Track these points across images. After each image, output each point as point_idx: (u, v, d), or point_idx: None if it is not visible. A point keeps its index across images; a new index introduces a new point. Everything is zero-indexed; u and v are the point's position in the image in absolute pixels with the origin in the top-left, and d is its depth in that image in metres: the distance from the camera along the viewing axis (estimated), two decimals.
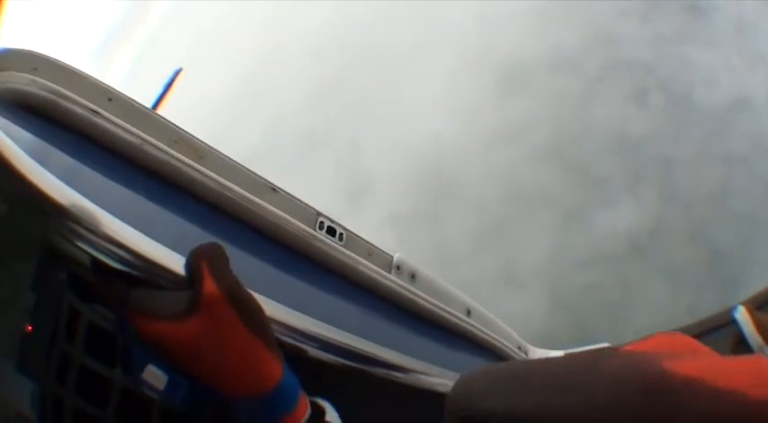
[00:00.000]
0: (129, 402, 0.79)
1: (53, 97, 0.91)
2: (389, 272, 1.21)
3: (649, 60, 4.66)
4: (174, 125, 1.00)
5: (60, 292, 0.80)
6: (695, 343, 0.57)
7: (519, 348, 1.52)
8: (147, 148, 0.94)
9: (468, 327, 1.35)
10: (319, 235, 1.10)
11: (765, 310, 1.79)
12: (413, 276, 1.25)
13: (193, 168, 0.98)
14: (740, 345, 1.63)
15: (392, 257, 1.23)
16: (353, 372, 1.00)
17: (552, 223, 4.30)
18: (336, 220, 1.15)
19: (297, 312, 0.91)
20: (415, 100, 5.31)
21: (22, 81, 0.90)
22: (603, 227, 4.13)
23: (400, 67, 5.60)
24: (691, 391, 0.44)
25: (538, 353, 1.59)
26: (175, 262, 0.77)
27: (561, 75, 4.84)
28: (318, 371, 0.92)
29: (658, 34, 4.74)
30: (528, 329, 1.57)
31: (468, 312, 1.37)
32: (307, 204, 1.11)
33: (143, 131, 0.95)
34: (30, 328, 0.84)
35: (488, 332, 1.40)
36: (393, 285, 1.20)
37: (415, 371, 1.13)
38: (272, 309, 0.85)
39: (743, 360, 0.47)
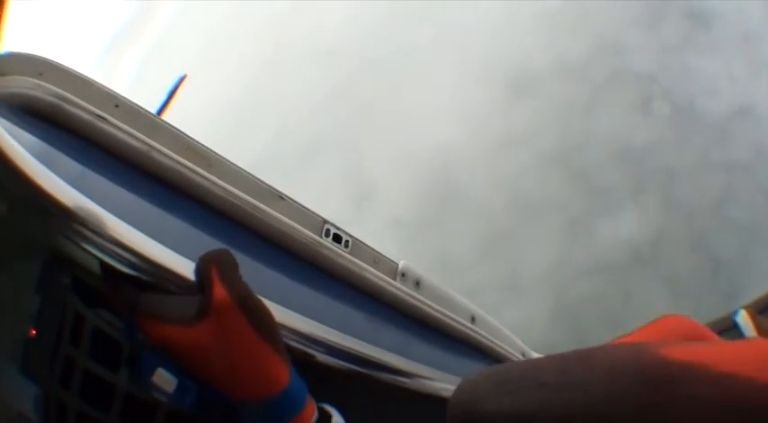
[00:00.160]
0: (132, 406, 0.79)
1: (58, 102, 0.91)
2: (395, 279, 1.21)
3: (654, 69, 4.67)
4: (182, 132, 1.00)
5: (65, 295, 0.80)
6: (699, 327, 0.57)
7: (523, 355, 1.52)
8: (154, 154, 0.95)
9: (472, 334, 1.35)
10: (325, 242, 1.11)
11: (767, 315, 1.79)
12: (418, 283, 1.25)
13: (201, 175, 0.98)
14: None
15: (397, 265, 1.23)
16: (360, 376, 1.01)
17: (555, 231, 4.30)
18: (342, 227, 1.15)
19: (305, 318, 0.91)
20: (420, 107, 5.32)
21: (27, 85, 0.90)
22: (606, 236, 4.14)
23: (407, 74, 5.62)
24: (691, 376, 0.43)
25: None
26: (185, 267, 0.77)
27: (566, 83, 4.85)
28: (325, 376, 0.92)
29: (663, 43, 4.75)
30: (529, 337, 1.57)
31: (473, 319, 1.37)
32: (313, 212, 1.12)
33: (150, 138, 0.95)
34: (34, 331, 0.84)
35: (492, 339, 1.40)
36: (398, 292, 1.20)
37: (420, 376, 1.13)
38: (281, 314, 0.85)
39: (744, 344, 0.47)
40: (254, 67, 6.79)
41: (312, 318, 0.94)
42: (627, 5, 5.01)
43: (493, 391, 0.51)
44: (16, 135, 0.76)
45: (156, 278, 0.77)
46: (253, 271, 0.77)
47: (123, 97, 0.97)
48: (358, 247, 1.16)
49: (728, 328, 1.70)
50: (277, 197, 1.07)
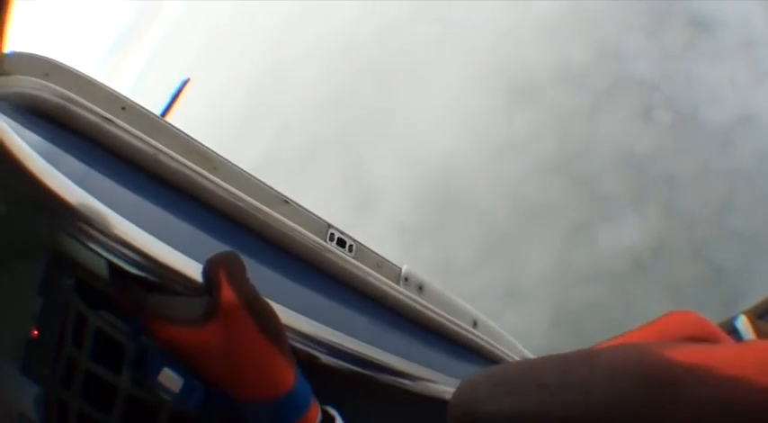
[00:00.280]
0: (133, 408, 0.79)
1: (64, 103, 0.91)
2: (398, 283, 1.22)
3: (656, 77, 4.67)
4: (188, 135, 1.00)
5: (67, 297, 0.80)
6: (708, 323, 0.57)
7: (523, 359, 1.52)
8: (160, 157, 0.95)
9: (474, 338, 1.35)
10: (330, 246, 1.11)
11: (766, 320, 1.79)
12: (420, 288, 1.25)
13: (207, 179, 0.99)
14: None
15: (401, 269, 1.24)
16: (363, 378, 1.01)
17: (556, 238, 4.30)
18: (345, 231, 1.15)
19: (310, 320, 0.92)
20: (423, 112, 5.33)
21: (33, 85, 0.91)
22: (607, 243, 4.14)
23: (410, 79, 5.62)
24: (694, 378, 0.44)
25: None
26: (192, 269, 0.77)
27: (569, 90, 4.85)
28: (329, 377, 0.92)
29: (665, 51, 4.75)
30: (530, 343, 1.57)
31: (475, 324, 1.37)
32: (318, 216, 1.12)
33: (156, 141, 0.96)
34: (35, 332, 0.84)
35: (494, 343, 1.40)
36: (401, 296, 1.21)
37: (422, 378, 1.13)
38: (286, 315, 0.86)
39: (747, 346, 0.47)
40: (257, 70, 6.80)
41: (315, 321, 0.94)
42: (630, 12, 5.02)
43: (492, 391, 0.51)
44: (22, 134, 0.77)
45: (163, 279, 0.77)
46: (257, 274, 0.77)
47: (130, 100, 0.97)
48: (362, 251, 1.16)
49: (728, 333, 1.70)
50: (282, 201, 1.08)
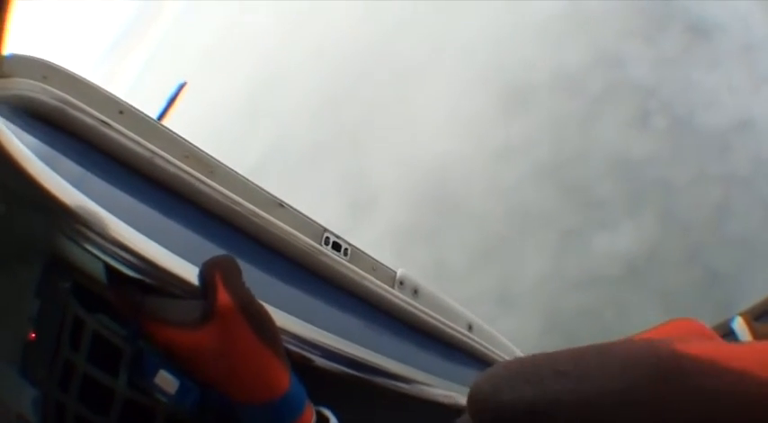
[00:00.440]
0: (130, 411, 0.79)
1: (62, 106, 0.92)
2: (393, 287, 1.22)
3: (652, 82, 4.67)
4: (185, 140, 1.01)
5: (64, 299, 0.81)
6: (707, 329, 0.59)
7: None
8: (157, 161, 0.95)
9: (469, 341, 1.36)
10: (325, 250, 1.12)
11: (763, 321, 1.79)
12: (416, 291, 1.26)
13: (204, 183, 1.00)
14: None
15: (395, 273, 1.24)
16: (358, 381, 1.01)
17: (551, 243, 4.30)
18: (341, 234, 1.16)
19: (305, 323, 0.92)
20: (419, 117, 5.33)
21: (31, 88, 0.91)
22: (601, 249, 4.14)
23: (406, 84, 5.63)
24: (701, 370, 0.45)
25: None
26: (189, 272, 0.78)
27: (565, 95, 4.85)
28: (324, 380, 0.92)
29: (662, 56, 4.76)
30: (522, 349, 1.57)
31: (470, 327, 1.38)
32: (313, 220, 1.13)
33: (154, 145, 0.96)
34: (33, 335, 0.85)
35: (489, 347, 1.41)
36: (396, 300, 1.21)
37: (417, 381, 1.14)
38: (280, 318, 0.86)
39: (751, 344, 0.48)
40: (254, 76, 6.80)
41: (311, 324, 0.95)
42: (628, 17, 5.02)
43: (511, 380, 0.51)
44: (20, 137, 0.77)
45: (160, 282, 0.77)
46: (253, 277, 0.77)
47: (128, 103, 0.98)
48: (357, 255, 1.17)
49: (725, 335, 1.70)
50: (277, 205, 1.08)
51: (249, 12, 7.49)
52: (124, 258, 0.76)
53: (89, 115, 0.93)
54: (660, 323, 0.60)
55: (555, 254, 4.24)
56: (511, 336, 1.53)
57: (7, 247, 0.83)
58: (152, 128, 0.98)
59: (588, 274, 4.07)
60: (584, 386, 0.48)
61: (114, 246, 0.75)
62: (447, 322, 1.31)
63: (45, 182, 0.74)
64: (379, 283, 1.18)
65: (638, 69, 4.78)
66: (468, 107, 5.17)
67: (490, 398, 0.51)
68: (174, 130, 1.02)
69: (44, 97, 0.91)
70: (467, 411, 0.54)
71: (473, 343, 1.38)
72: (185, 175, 0.97)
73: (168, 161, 0.96)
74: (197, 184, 0.98)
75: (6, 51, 0.87)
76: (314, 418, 0.79)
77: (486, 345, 1.41)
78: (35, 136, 0.87)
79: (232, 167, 1.04)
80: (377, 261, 1.20)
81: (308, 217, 1.12)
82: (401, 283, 1.24)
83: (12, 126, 0.81)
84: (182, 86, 7.08)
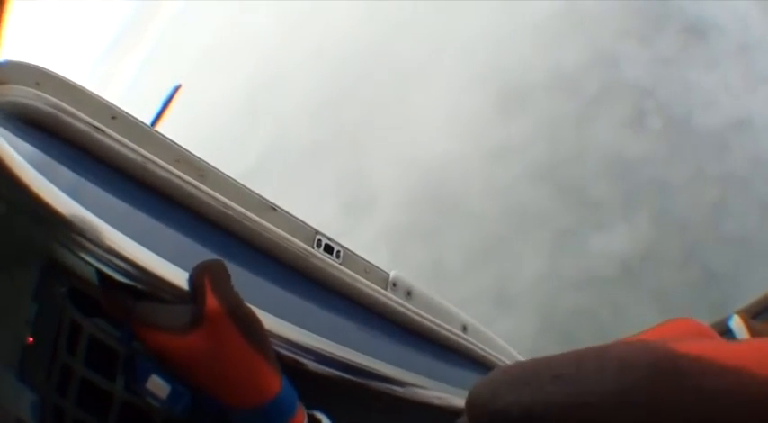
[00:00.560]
0: (128, 414, 0.80)
1: (55, 112, 0.92)
2: (386, 289, 1.22)
3: (649, 82, 4.67)
4: (176, 144, 1.01)
5: (61, 303, 0.81)
6: (706, 328, 0.59)
7: None
8: (149, 166, 0.96)
9: (464, 343, 1.36)
10: (317, 253, 1.12)
11: (760, 319, 1.79)
12: (409, 293, 1.26)
13: (195, 187, 1.00)
14: None
15: (388, 275, 1.24)
16: (351, 385, 1.01)
17: (546, 244, 4.30)
18: (334, 237, 1.16)
19: (296, 327, 0.92)
20: (416, 117, 5.33)
21: (24, 95, 0.91)
22: (598, 249, 4.14)
23: (405, 83, 5.62)
24: (699, 370, 0.45)
25: None
26: (179, 277, 0.78)
27: (562, 96, 4.85)
28: (316, 384, 0.93)
29: (659, 56, 4.75)
30: (518, 349, 1.58)
31: (465, 328, 1.38)
32: (305, 223, 1.13)
33: (145, 149, 0.96)
34: (31, 339, 0.85)
35: (485, 348, 1.41)
36: (389, 302, 1.21)
37: (411, 384, 1.14)
38: (272, 323, 0.86)
39: (749, 342, 0.49)
40: (251, 76, 6.79)
41: (304, 327, 0.95)
42: (624, 17, 5.02)
43: (510, 384, 0.52)
44: (13, 143, 0.77)
45: (151, 287, 0.78)
46: (245, 281, 0.78)
47: (120, 109, 0.98)
48: (349, 257, 1.17)
49: (722, 333, 1.70)
50: (269, 208, 1.08)
51: (248, 12, 7.48)
52: (116, 265, 0.76)
53: (82, 121, 0.93)
54: (658, 323, 0.61)
55: (552, 254, 4.24)
56: (507, 336, 1.53)
57: (4, 250, 0.83)
58: (144, 133, 0.98)
59: (585, 274, 4.06)
60: (580, 389, 0.48)
61: (106, 252, 0.75)
62: (441, 323, 1.31)
63: (38, 190, 0.74)
64: (371, 285, 1.18)
65: (634, 69, 4.78)
66: (465, 107, 5.17)
67: (488, 403, 0.52)
68: (172, 131, 1.02)
69: (37, 104, 0.91)
70: (465, 415, 0.54)
71: (468, 344, 1.37)
72: (177, 180, 0.98)
73: (160, 166, 0.96)
74: (189, 188, 0.99)
75: (0, 59, 0.88)
76: (305, 421, 0.79)
77: (482, 346, 1.41)
78: (29, 142, 0.87)
79: (223, 171, 1.04)
80: (369, 263, 1.20)
81: (300, 220, 1.12)
82: (394, 284, 1.24)
83: (5, 133, 0.82)
84: (176, 89, 7.08)
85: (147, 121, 1.04)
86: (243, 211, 1.04)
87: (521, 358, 1.56)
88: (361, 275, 1.17)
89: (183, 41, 8.25)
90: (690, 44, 4.72)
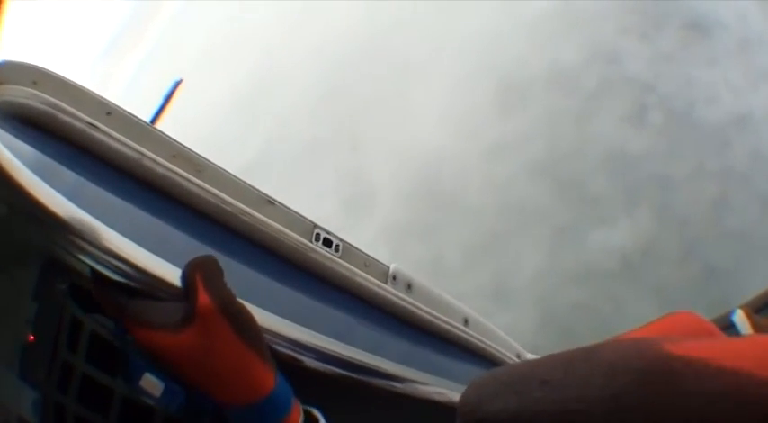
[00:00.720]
0: (130, 410, 0.80)
1: (52, 111, 0.91)
2: (386, 282, 1.22)
3: (649, 78, 4.67)
4: (172, 139, 1.01)
5: (62, 300, 0.81)
6: (707, 323, 0.58)
7: (518, 357, 1.52)
8: (145, 162, 0.96)
9: (465, 336, 1.35)
10: (316, 246, 1.11)
11: (763, 314, 1.78)
12: (409, 286, 1.26)
13: (191, 182, 0.99)
14: None
15: (388, 268, 1.23)
16: (349, 381, 1.01)
17: (546, 239, 4.30)
18: (334, 230, 1.16)
19: (291, 322, 0.92)
20: (415, 112, 5.33)
21: (21, 94, 0.91)
22: (597, 244, 4.13)
23: (404, 80, 5.63)
24: (694, 372, 0.44)
25: None
26: (172, 274, 0.78)
27: (562, 91, 4.85)
28: (314, 380, 0.92)
29: (660, 51, 4.75)
30: (518, 344, 1.58)
31: (466, 321, 1.37)
32: (303, 216, 1.12)
33: (141, 145, 0.96)
34: (32, 337, 0.85)
35: (486, 341, 1.40)
36: (389, 295, 1.21)
37: (410, 380, 1.14)
38: (266, 319, 0.86)
39: (749, 339, 0.47)
40: (253, 71, 6.80)
41: (303, 322, 0.95)
42: (624, 13, 5.03)
43: (498, 390, 0.52)
44: (10, 144, 0.77)
45: (145, 285, 0.78)
46: (243, 276, 0.78)
47: (115, 105, 0.98)
48: (348, 250, 1.17)
49: (725, 328, 1.70)
50: (267, 202, 1.08)
51: (248, 9, 7.50)
52: (111, 264, 0.76)
53: (77, 119, 0.93)
54: (658, 317, 0.60)
55: (551, 249, 4.24)
56: (507, 331, 1.53)
57: (4, 250, 0.83)
58: (139, 128, 0.98)
59: (585, 269, 4.06)
60: (568, 395, 0.48)
61: (100, 251, 0.75)
62: (442, 317, 1.30)
63: (34, 192, 0.74)
64: (371, 278, 1.18)
65: (634, 65, 4.78)
66: (465, 103, 5.17)
67: (476, 408, 0.52)
68: (173, 128, 1.02)
69: (34, 103, 0.91)
70: (457, 418, 0.54)
71: (469, 337, 1.37)
72: (173, 175, 0.97)
73: (156, 162, 0.96)
74: (185, 183, 0.98)
75: None
76: (301, 418, 0.79)
77: (483, 339, 1.41)
78: (26, 142, 0.87)
79: (220, 166, 1.04)
80: (369, 256, 1.20)
81: (298, 214, 1.11)
82: (394, 278, 1.23)
83: (2, 133, 0.82)
84: (177, 84, 7.09)
85: (148, 117, 1.04)
86: (240, 205, 1.03)
87: (523, 351, 1.56)
88: (360, 269, 1.17)
89: (182, 40, 8.26)
90: (690, 40, 4.72)
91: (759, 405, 0.42)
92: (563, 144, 4.63)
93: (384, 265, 1.23)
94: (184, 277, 0.75)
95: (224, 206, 1.02)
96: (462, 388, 0.55)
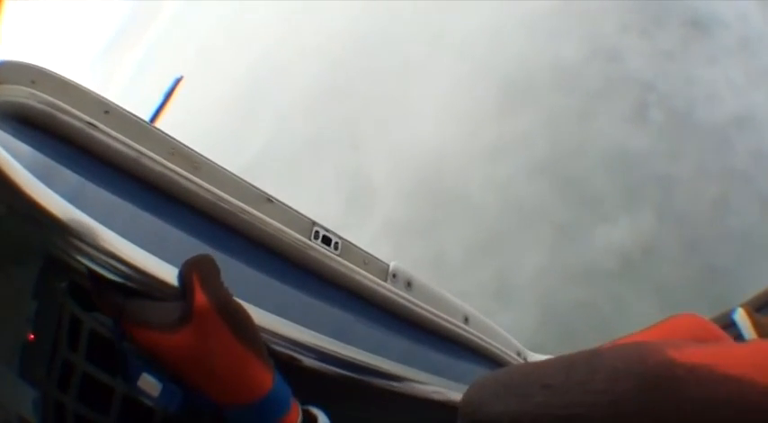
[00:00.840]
0: (130, 409, 0.80)
1: (50, 110, 0.91)
2: (385, 280, 1.21)
3: (650, 77, 4.67)
4: (170, 137, 1.01)
5: (61, 299, 0.81)
6: (711, 325, 0.58)
7: (518, 354, 1.52)
8: (143, 160, 0.95)
9: (466, 334, 1.35)
10: (315, 244, 1.11)
11: (764, 312, 1.78)
12: (409, 284, 1.25)
13: (189, 180, 0.99)
14: None
15: (388, 266, 1.23)
16: (347, 381, 1.01)
17: (547, 237, 4.30)
18: (334, 229, 1.15)
19: (289, 322, 0.91)
20: (416, 111, 5.34)
21: (20, 94, 0.91)
22: (599, 243, 4.13)
23: (404, 77, 5.63)
24: (696, 378, 0.44)
25: (537, 358, 1.58)
26: (170, 274, 0.77)
27: (563, 90, 4.85)
28: (312, 380, 0.92)
29: (661, 50, 4.75)
30: (519, 343, 1.58)
31: (466, 320, 1.37)
32: (302, 214, 1.12)
33: (139, 144, 0.96)
34: (31, 336, 0.85)
35: (487, 339, 1.40)
36: (389, 293, 1.20)
37: (409, 379, 1.13)
38: (264, 318, 0.86)
39: (751, 345, 0.47)
40: (253, 69, 6.81)
41: (302, 321, 0.94)
42: (625, 11, 5.02)
43: (499, 393, 0.51)
44: (9, 144, 0.77)
45: (142, 285, 0.77)
46: (242, 275, 0.77)
47: (113, 103, 0.97)
48: (348, 248, 1.16)
49: (726, 326, 1.69)
50: (265, 200, 1.07)
51: (247, 8, 7.51)
52: (109, 264, 0.76)
53: (76, 118, 0.92)
54: (661, 320, 0.60)
55: (552, 248, 4.24)
56: (508, 329, 1.52)
57: (4, 250, 0.83)
58: (137, 126, 0.98)
59: (586, 267, 4.06)
60: (569, 400, 0.47)
61: (97, 251, 0.75)
62: (442, 315, 1.30)
63: (33, 193, 0.74)
64: (371, 276, 1.17)
65: (636, 64, 4.78)
66: (466, 101, 5.18)
67: (477, 410, 0.52)
68: (172, 126, 1.02)
69: (33, 102, 0.91)
70: (458, 420, 0.54)
71: (470, 335, 1.36)
72: (171, 173, 0.97)
73: (154, 160, 0.96)
74: (183, 181, 0.98)
75: None
76: (300, 417, 0.79)
77: (484, 337, 1.40)
78: (25, 142, 0.87)
79: (218, 163, 1.04)
80: (369, 254, 1.20)
81: (297, 211, 1.11)
82: (394, 275, 1.23)
83: (2, 133, 0.82)
84: (178, 81, 7.10)
85: (148, 115, 1.03)
86: (238, 203, 1.03)
87: (524, 349, 1.56)
88: (360, 267, 1.16)
89: (182, 40, 8.27)
90: (691, 39, 4.72)
91: (761, 412, 0.42)
92: (564, 142, 4.63)
93: (384, 262, 1.22)
94: (181, 277, 0.75)
95: (222, 204, 1.01)
96: (463, 387, 0.55)
